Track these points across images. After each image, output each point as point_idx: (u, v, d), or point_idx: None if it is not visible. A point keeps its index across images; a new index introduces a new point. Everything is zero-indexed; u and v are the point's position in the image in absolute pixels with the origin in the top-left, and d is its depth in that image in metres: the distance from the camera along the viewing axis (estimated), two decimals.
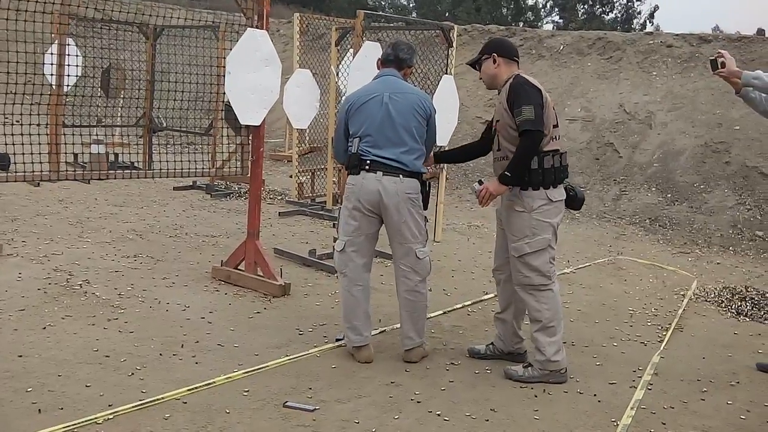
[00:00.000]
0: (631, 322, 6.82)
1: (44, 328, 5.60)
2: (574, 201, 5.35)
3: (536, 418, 4.70)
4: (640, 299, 7.59)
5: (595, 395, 5.10)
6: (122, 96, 13.53)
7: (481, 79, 5.54)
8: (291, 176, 12.00)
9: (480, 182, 5.30)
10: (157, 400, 4.52)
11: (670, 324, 6.78)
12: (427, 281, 5.48)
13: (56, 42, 7.10)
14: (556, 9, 45.71)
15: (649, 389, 5.25)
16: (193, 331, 5.77)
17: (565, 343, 6.00)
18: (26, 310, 5.95)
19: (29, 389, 4.55)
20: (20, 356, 5.03)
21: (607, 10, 44.97)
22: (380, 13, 8.60)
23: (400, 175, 5.22)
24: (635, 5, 45.08)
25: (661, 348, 6.14)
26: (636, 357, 5.91)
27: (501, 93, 5.26)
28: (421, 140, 5.36)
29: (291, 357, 5.36)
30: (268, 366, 5.17)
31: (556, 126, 5.21)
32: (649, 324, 6.81)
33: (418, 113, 5.33)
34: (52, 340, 5.36)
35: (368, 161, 5.24)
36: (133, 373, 4.91)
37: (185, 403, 4.54)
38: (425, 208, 5.43)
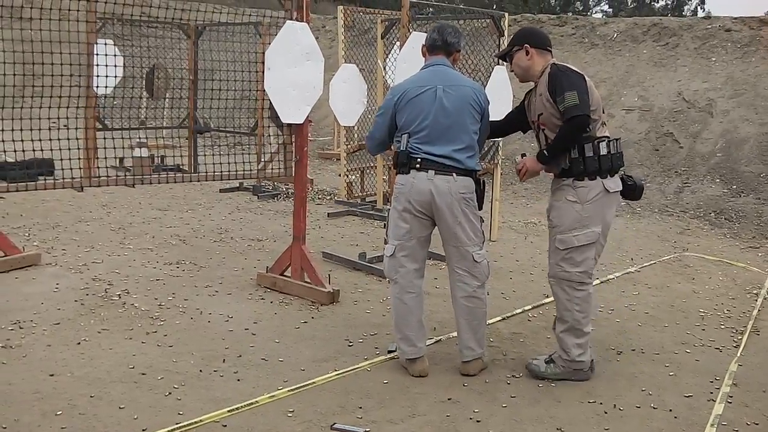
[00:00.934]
0: (702, 325, 6.36)
1: (78, 343, 5.31)
2: (633, 191, 5.05)
3: None
4: (711, 299, 7.12)
5: (670, 410, 4.67)
6: (167, 97, 13.32)
7: (512, 71, 5.24)
8: (339, 175, 11.69)
9: (523, 155, 5.08)
10: (194, 423, 4.19)
11: (745, 327, 6.33)
12: (485, 286, 5.08)
13: (92, 43, 6.82)
14: None
15: (729, 402, 4.80)
16: (235, 344, 5.44)
17: (633, 350, 5.66)
18: (61, 323, 5.68)
19: (59, 412, 4.26)
20: (51, 375, 4.75)
21: None
22: (427, 2, 8.20)
23: (453, 174, 4.82)
24: None
25: (738, 354, 5.68)
26: (711, 365, 5.46)
27: (539, 85, 4.97)
28: (475, 136, 4.95)
29: (339, 372, 5.00)
30: (315, 382, 4.81)
31: (603, 110, 4.96)
32: (722, 327, 6.35)
33: (473, 107, 4.91)
34: (86, 357, 5.07)
35: (419, 159, 4.84)
36: (170, 393, 4.59)
37: (225, 426, 4.21)
38: (480, 207, 5.02)
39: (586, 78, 4.84)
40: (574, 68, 4.88)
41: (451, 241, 4.93)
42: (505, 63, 5.32)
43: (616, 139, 4.97)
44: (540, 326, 6.17)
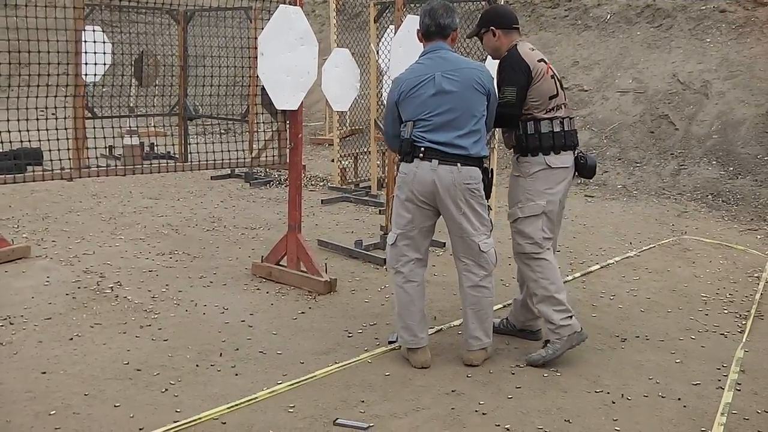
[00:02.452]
0: (706, 310, 6.26)
1: (71, 339, 5.18)
2: (583, 169, 5.16)
3: (617, 429, 4.19)
4: (712, 283, 7.01)
5: (679, 399, 4.57)
6: (156, 84, 13.13)
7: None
8: (333, 161, 11.54)
9: None
10: (193, 421, 4.07)
11: (748, 311, 6.22)
12: (493, 274, 4.96)
13: (80, 30, 6.63)
14: None
15: (738, 390, 4.70)
16: (232, 337, 5.32)
17: (638, 337, 5.57)
18: (53, 318, 5.55)
19: (52, 412, 4.14)
20: (43, 373, 4.62)
21: None
22: None
23: (458, 164, 4.68)
24: None
25: (744, 340, 5.58)
26: (718, 351, 5.36)
27: None
28: (481, 120, 4.81)
29: (340, 365, 4.88)
30: (315, 376, 4.69)
31: (554, 96, 5.04)
32: (725, 312, 6.24)
33: (477, 90, 4.76)
34: (79, 353, 4.94)
35: (422, 148, 4.71)
36: (166, 389, 4.47)
37: (224, 423, 4.09)
38: (488, 197, 4.90)
39: (536, 67, 4.96)
40: (524, 57, 4.98)
41: (456, 231, 4.82)
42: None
43: (570, 119, 5.11)
44: None
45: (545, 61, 5.08)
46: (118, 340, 5.20)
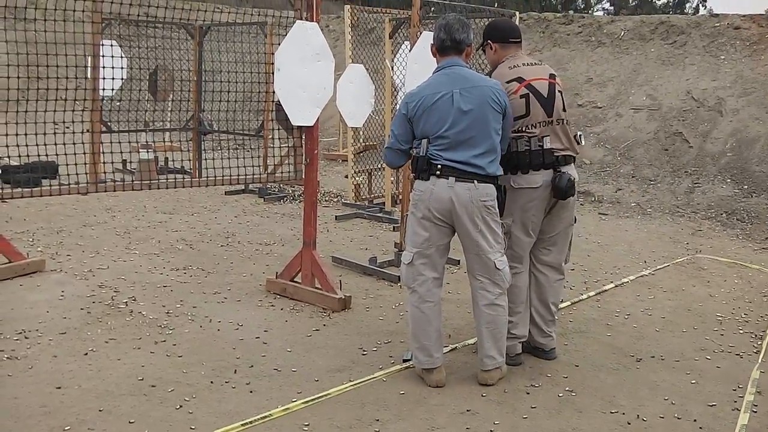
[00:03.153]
0: (721, 330, 6.22)
1: (86, 354, 5.17)
2: (553, 188, 5.05)
3: None
4: (727, 303, 6.98)
5: (695, 420, 4.53)
6: (171, 99, 13.18)
7: None
8: (347, 176, 11.54)
9: None
10: None
11: (764, 331, 6.19)
12: (506, 293, 4.94)
13: (97, 44, 6.67)
14: None
15: (755, 412, 4.67)
16: (246, 354, 5.31)
17: (653, 357, 5.55)
18: (67, 333, 5.54)
19: (67, 427, 4.13)
20: (58, 388, 4.61)
21: None
22: (437, 0, 8.01)
23: (475, 181, 4.67)
24: None
25: (759, 361, 5.54)
26: (733, 372, 5.33)
27: None
28: (497, 138, 4.78)
29: (354, 382, 4.86)
30: (329, 394, 4.67)
31: (522, 116, 5.00)
32: (741, 332, 6.21)
33: (493, 108, 4.72)
34: (94, 368, 4.93)
35: (439, 166, 4.68)
36: (181, 406, 4.45)
37: None
38: (501, 214, 4.88)
39: (515, 88, 4.98)
40: (507, 73, 5.04)
41: (473, 249, 4.79)
42: None
43: (539, 138, 5.00)
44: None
45: (522, 79, 5.03)
46: (132, 355, 5.19)
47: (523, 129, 4.99)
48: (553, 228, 5.26)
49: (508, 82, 4.98)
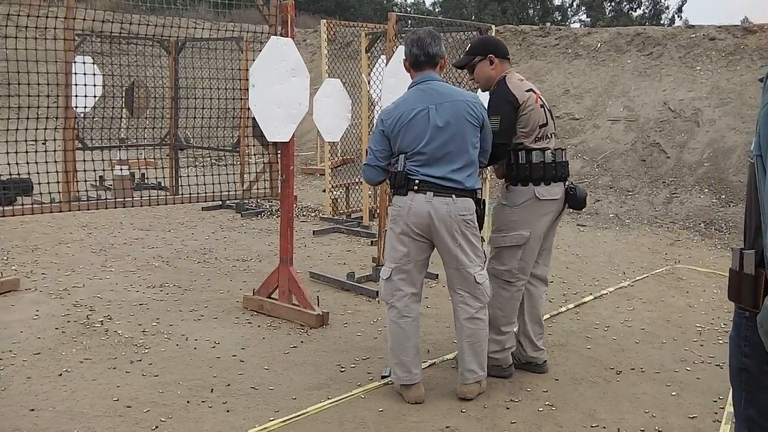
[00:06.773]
0: (701, 341, 6.21)
1: (60, 374, 5.09)
2: (573, 200, 5.20)
3: None
4: (707, 313, 6.97)
5: None
6: (147, 114, 13.10)
7: (472, 79, 5.40)
8: (324, 191, 11.50)
9: None
10: None
11: None
12: (487, 306, 4.91)
13: (70, 61, 6.60)
14: (583, 8, 45.03)
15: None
16: (223, 372, 5.24)
17: (633, 369, 5.50)
18: (42, 353, 5.47)
19: None
20: (32, 410, 4.53)
21: (635, 6, 44.23)
22: (413, 15, 8.01)
23: (453, 196, 4.63)
24: (663, 0, 44.40)
25: None
26: (713, 383, 5.30)
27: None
28: (475, 152, 4.75)
29: (332, 400, 4.80)
30: (307, 412, 4.61)
31: (544, 125, 5.06)
32: (720, 342, 6.19)
33: (470, 122, 4.69)
34: (68, 389, 4.86)
35: (417, 181, 4.65)
36: (157, 427, 4.38)
37: None
38: (480, 228, 4.85)
39: (524, 99, 4.97)
40: (512, 89, 5.00)
41: (452, 263, 4.75)
42: (464, 70, 5.44)
43: (562, 150, 5.15)
44: None
45: (534, 91, 5.09)
46: (107, 375, 5.12)
47: (543, 137, 5.05)
48: (547, 240, 5.29)
49: (526, 91, 5.02)
